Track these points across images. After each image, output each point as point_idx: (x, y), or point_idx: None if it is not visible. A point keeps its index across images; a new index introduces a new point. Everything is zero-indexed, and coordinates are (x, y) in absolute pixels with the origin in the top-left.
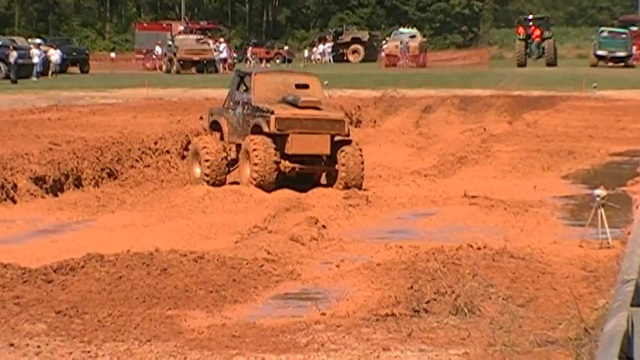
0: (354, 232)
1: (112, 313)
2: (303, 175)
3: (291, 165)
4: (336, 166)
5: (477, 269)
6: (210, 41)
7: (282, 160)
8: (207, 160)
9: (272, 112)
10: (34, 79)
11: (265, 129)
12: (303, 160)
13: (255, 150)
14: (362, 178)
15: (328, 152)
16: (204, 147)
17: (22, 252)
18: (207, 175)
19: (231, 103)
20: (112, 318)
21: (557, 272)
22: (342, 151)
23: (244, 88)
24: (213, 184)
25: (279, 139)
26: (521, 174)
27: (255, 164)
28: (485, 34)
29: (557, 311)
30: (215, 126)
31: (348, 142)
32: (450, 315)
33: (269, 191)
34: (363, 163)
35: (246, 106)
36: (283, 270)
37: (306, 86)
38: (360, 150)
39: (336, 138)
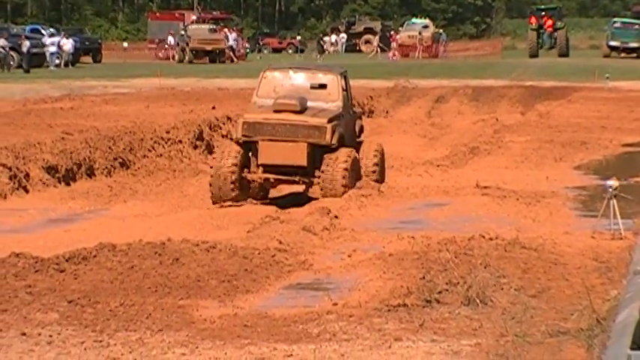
0: (367, 222)
1: (124, 302)
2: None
3: (264, 175)
4: (314, 177)
5: (489, 260)
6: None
7: (256, 170)
8: None
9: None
10: (52, 67)
11: (233, 135)
12: (280, 170)
13: (214, 159)
14: (344, 191)
15: (304, 163)
16: None
17: (35, 241)
18: None
19: None
20: (124, 307)
21: (569, 263)
22: (323, 160)
23: None
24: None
25: (253, 147)
26: (534, 164)
27: (211, 176)
28: (498, 24)
29: (569, 302)
30: None
31: (332, 151)
32: (462, 305)
33: (238, 202)
34: (347, 174)
35: None
36: (295, 260)
37: (323, 86)
38: (350, 160)
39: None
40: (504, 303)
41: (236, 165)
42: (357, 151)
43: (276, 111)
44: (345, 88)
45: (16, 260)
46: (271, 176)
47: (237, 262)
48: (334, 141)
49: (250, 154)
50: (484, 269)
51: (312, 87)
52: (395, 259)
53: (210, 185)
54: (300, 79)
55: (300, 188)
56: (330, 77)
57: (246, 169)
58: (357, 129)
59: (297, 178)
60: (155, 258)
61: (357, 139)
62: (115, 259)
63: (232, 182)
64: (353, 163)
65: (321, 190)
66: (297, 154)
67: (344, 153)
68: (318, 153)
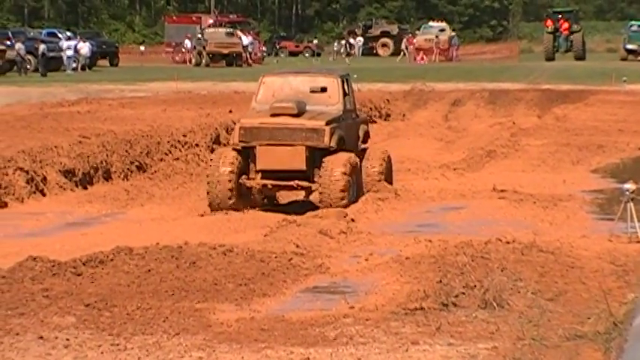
0: (383, 226)
1: (140, 306)
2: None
3: (262, 182)
4: (313, 183)
5: (506, 263)
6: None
7: (255, 176)
8: None
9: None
10: (69, 71)
11: (231, 140)
12: (279, 176)
13: (210, 166)
14: (343, 196)
15: (303, 167)
16: None
17: (52, 245)
18: None
19: None
20: (141, 311)
21: (586, 266)
22: (322, 165)
23: None
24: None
25: (250, 152)
26: (551, 168)
27: (208, 183)
28: (514, 27)
29: (586, 305)
30: None
31: (332, 154)
32: (479, 309)
33: (237, 210)
34: (345, 179)
35: None
36: (312, 263)
37: (323, 90)
38: (350, 165)
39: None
40: (521, 306)
41: (233, 172)
42: (362, 158)
43: (273, 115)
44: (346, 91)
45: (33, 264)
46: (269, 182)
47: (254, 266)
48: (333, 143)
49: (249, 159)
50: (501, 273)
51: (312, 90)
52: (412, 262)
53: (208, 193)
54: (299, 83)
55: (301, 195)
56: (330, 80)
57: (244, 176)
58: (361, 134)
59: (294, 183)
60: (172, 261)
61: (363, 145)
62: (131, 262)
63: (229, 190)
64: (353, 168)
65: (320, 197)
66: (295, 158)
67: (343, 158)
68: (317, 156)
